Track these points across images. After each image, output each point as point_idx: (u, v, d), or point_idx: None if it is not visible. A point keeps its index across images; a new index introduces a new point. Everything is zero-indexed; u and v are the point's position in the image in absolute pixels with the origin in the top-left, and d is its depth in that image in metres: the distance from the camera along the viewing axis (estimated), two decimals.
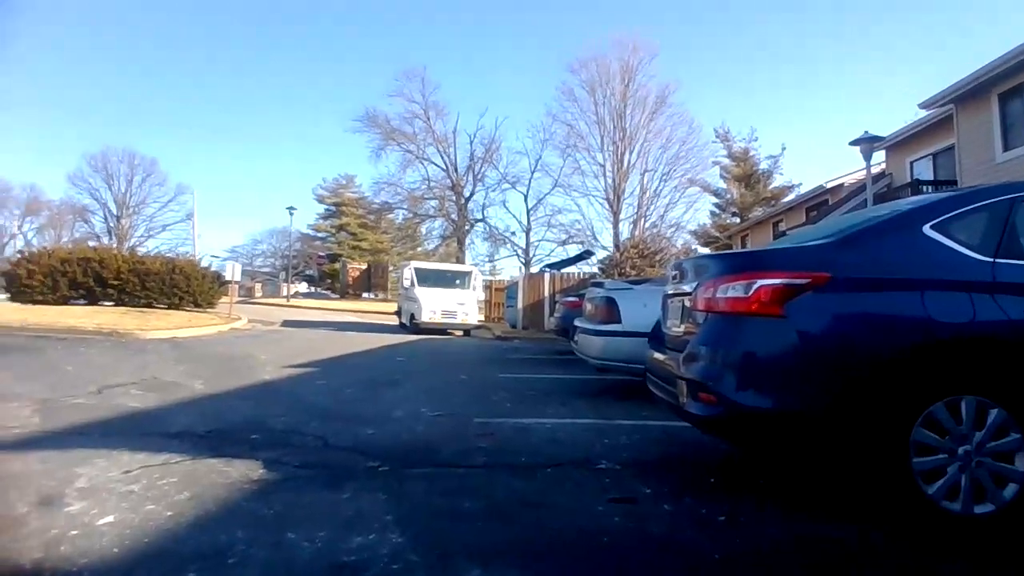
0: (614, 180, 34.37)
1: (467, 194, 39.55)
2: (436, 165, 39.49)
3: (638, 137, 34.36)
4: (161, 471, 2.81)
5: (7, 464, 2.91)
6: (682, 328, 3.18)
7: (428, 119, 38.43)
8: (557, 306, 12.82)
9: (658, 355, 3.48)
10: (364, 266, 46.64)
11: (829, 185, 21.38)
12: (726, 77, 60.53)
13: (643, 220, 34.50)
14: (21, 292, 17.09)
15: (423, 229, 41.96)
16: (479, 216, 39.48)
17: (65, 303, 17.33)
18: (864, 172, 13.06)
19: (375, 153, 38.44)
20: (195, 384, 5.90)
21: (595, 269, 24.23)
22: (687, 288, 3.18)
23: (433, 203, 39.95)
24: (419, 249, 41.32)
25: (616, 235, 33.78)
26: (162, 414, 4.30)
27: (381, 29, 69.71)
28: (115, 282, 18.11)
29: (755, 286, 2.47)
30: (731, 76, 61.02)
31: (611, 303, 5.76)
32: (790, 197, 31.13)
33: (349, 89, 75.34)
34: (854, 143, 12.61)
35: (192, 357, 8.70)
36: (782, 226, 24.06)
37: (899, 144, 17.24)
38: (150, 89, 74.60)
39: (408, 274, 17.82)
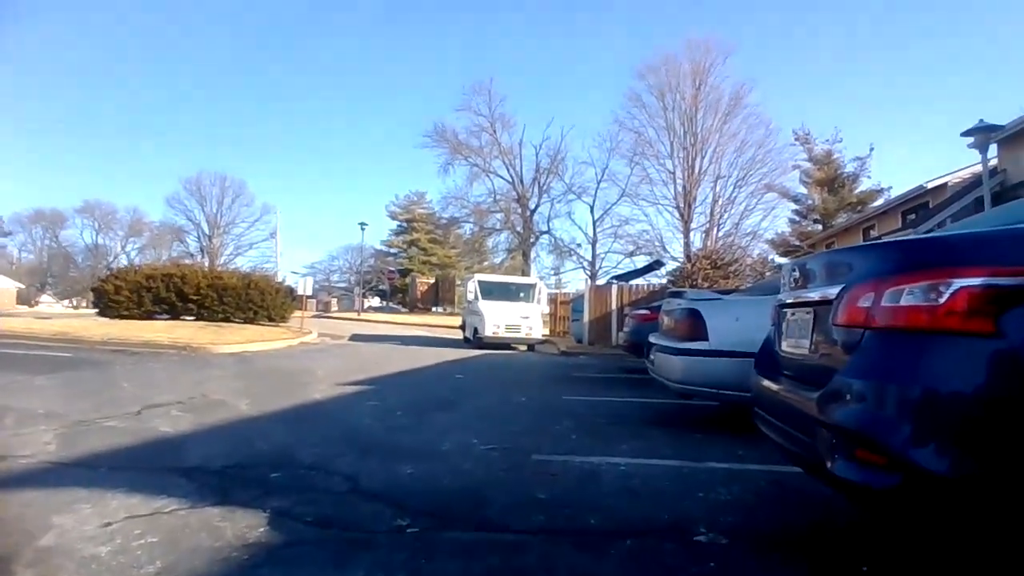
0: (684, 187, 32.84)
1: (532, 206, 39.19)
2: (502, 178, 39.48)
3: (710, 142, 32.75)
4: (146, 525, 2.29)
5: None
6: (809, 350, 2.33)
7: (494, 131, 38.53)
8: (627, 320, 11.88)
9: (771, 384, 2.64)
10: (432, 280, 47.31)
11: (930, 185, 19.08)
12: (807, 75, 57.08)
13: (716, 229, 32.67)
14: (109, 307, 18.09)
15: (489, 243, 41.93)
16: (544, 228, 38.95)
17: (150, 318, 18.17)
18: (970, 170, 11.31)
19: (443, 168, 38.96)
20: (241, 404, 5.56)
21: (664, 281, 22.92)
22: (815, 295, 2.34)
23: (499, 216, 39.86)
24: (485, 263, 41.24)
25: (687, 245, 32.15)
26: (188, 442, 3.89)
27: (452, 42, 71.55)
28: (195, 297, 18.84)
29: (951, 289, 1.62)
30: (812, 73, 57.45)
31: (695, 317, 4.88)
32: (879, 202, 28.40)
33: (422, 106, 77.88)
34: (967, 133, 11.05)
35: (251, 373, 8.54)
36: (873, 233, 21.78)
37: (1015, 137, 14.94)
38: (238, 113, 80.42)
39: (472, 287, 17.42)
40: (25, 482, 2.84)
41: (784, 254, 34.23)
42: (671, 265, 28.37)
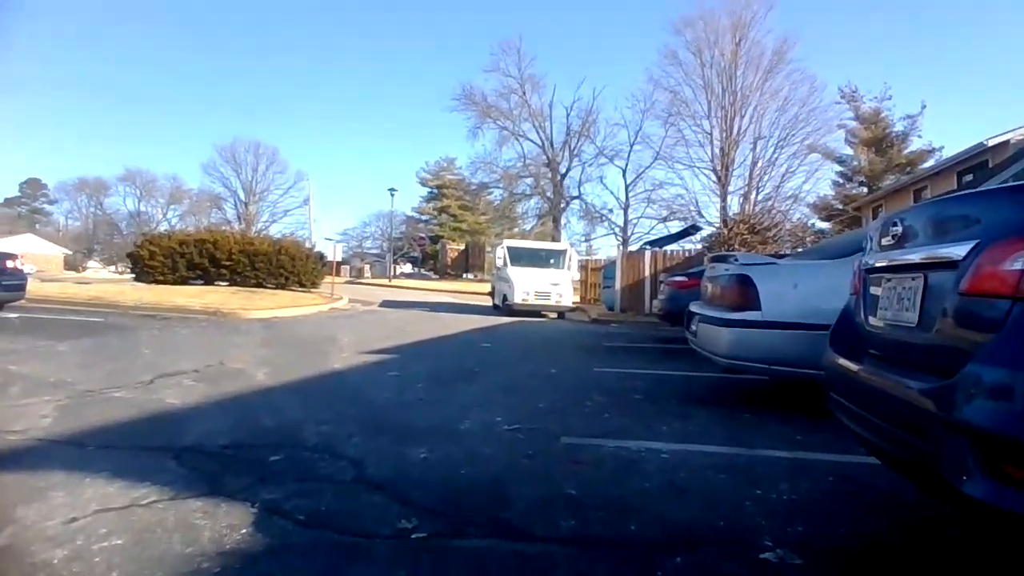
0: (722, 149, 31.31)
1: (563, 170, 38.18)
2: (531, 141, 38.48)
3: (750, 100, 30.98)
4: (116, 522, 1.99)
5: None
6: (916, 325, 1.83)
7: (524, 93, 37.42)
8: (662, 287, 11.33)
9: (853, 366, 2.16)
10: (462, 247, 47.12)
11: (991, 143, 17.44)
12: (854, 27, 53.24)
13: (755, 192, 31.15)
14: (144, 272, 18.37)
15: (519, 208, 41.24)
16: (575, 193, 37.96)
17: (184, 283, 18.38)
18: None
19: (472, 132, 38.16)
20: (258, 373, 5.33)
21: (699, 246, 22.03)
22: (925, 255, 1.83)
23: (528, 181, 39.06)
24: (515, 229, 40.64)
25: (723, 209, 30.82)
26: (191, 416, 3.63)
27: (481, 2, 69.39)
28: (227, 263, 18.95)
29: None
30: (859, 25, 53.57)
31: (745, 283, 4.35)
32: (929, 163, 26.45)
33: (453, 69, 76.54)
34: None
35: (276, 339, 8.38)
36: (926, 195, 20.29)
37: None
38: (269, 80, 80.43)
39: (501, 253, 16.98)
40: (4, 463, 2.59)
41: (827, 218, 32.63)
42: (707, 230, 27.27)
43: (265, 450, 2.92)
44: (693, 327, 5.09)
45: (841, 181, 34.26)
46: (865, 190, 31.14)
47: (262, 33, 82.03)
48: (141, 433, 3.18)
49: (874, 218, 24.34)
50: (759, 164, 31.15)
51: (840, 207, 31.64)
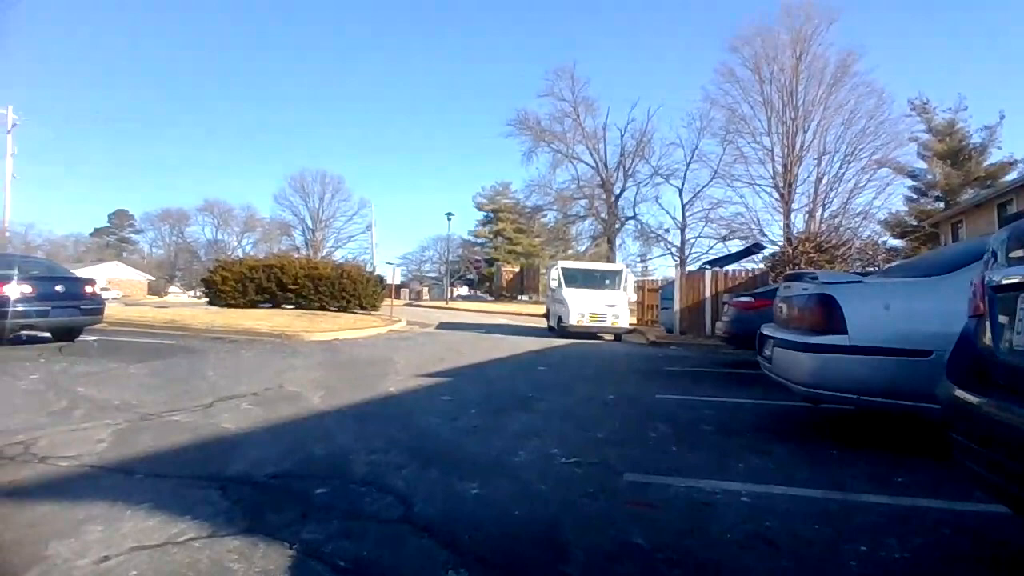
0: (785, 165, 30.02)
1: (617, 191, 37.65)
2: (585, 163, 38.29)
3: (814, 115, 29.65)
4: (148, 562, 1.89)
5: None
6: None
7: (577, 116, 37.37)
8: (725, 308, 10.73)
9: (977, 399, 1.81)
10: (517, 269, 47.32)
11: None
12: (922, 37, 50.30)
13: (820, 209, 29.57)
14: (217, 296, 19.33)
15: (573, 230, 40.95)
16: (630, 214, 37.29)
17: (254, 306, 19.18)
18: None
19: (526, 156, 38.43)
20: (314, 397, 5.31)
21: (761, 266, 21.03)
22: None
23: (583, 203, 38.76)
24: (569, 251, 40.37)
25: (787, 227, 29.38)
26: (243, 442, 3.58)
27: (533, 28, 70.82)
28: (293, 287, 19.67)
29: None
30: (929, 35, 50.56)
31: (828, 304, 3.92)
32: (1012, 175, 24.30)
33: (507, 96, 78.31)
34: None
35: (335, 362, 8.46)
36: (1011, 208, 18.54)
37: None
38: (334, 112, 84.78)
39: (555, 275, 16.74)
40: (49, 492, 2.57)
41: (900, 236, 30.58)
42: (769, 249, 26.03)
43: (312, 481, 2.79)
44: (767, 351, 4.66)
45: (915, 196, 32.13)
46: (942, 205, 29.08)
47: (328, 68, 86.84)
48: (191, 460, 3.14)
49: (953, 235, 22.55)
50: (824, 180, 29.63)
51: (915, 223, 29.59)
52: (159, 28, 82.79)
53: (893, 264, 11.22)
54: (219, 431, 3.84)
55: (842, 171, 29.27)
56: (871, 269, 15.39)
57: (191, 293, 60.47)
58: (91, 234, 71.10)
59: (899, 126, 29.35)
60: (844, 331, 3.81)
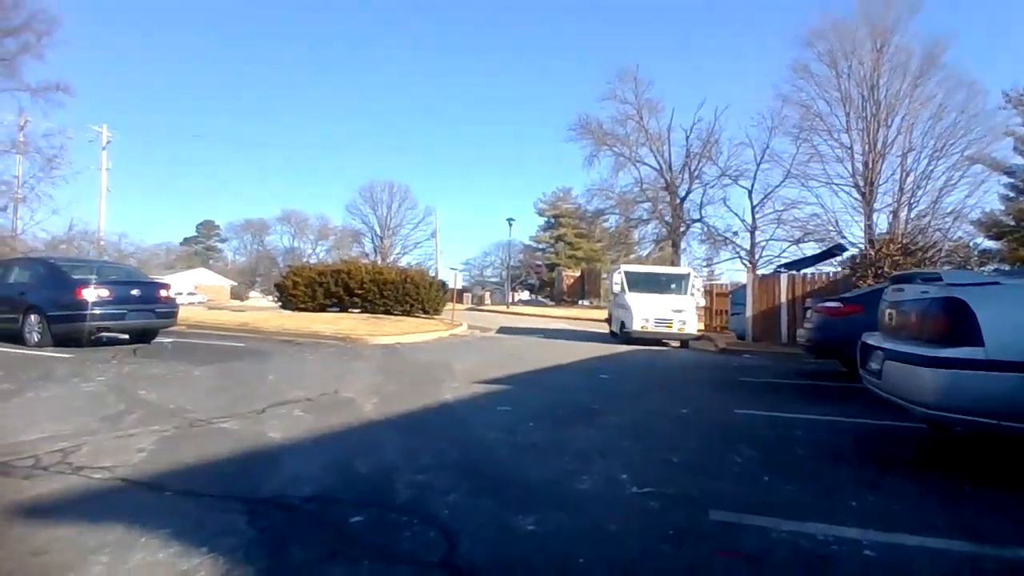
0: (865, 163, 27.87)
1: (682, 194, 36.26)
2: (649, 166, 37.17)
3: (898, 109, 27.44)
4: None
5: None
6: None
7: (641, 118, 36.33)
8: (808, 314, 9.78)
9: None
10: (578, 273, 46.68)
11: None
12: (1019, 23, 45.27)
13: (906, 209, 27.18)
14: (289, 301, 19.97)
15: (635, 234, 39.79)
16: (695, 216, 35.77)
17: (323, 310, 19.65)
18: None
19: (587, 160, 37.74)
20: (367, 405, 5.10)
21: (838, 269, 19.51)
22: None
23: (646, 206, 37.61)
24: (631, 256, 39.22)
25: (868, 228, 27.24)
26: (285, 455, 3.35)
27: (595, 30, 70.23)
28: (359, 291, 20.00)
29: None
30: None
31: (958, 310, 3.25)
32: None
33: (569, 102, 78.26)
34: None
35: (393, 367, 8.33)
36: None
37: None
38: (401, 123, 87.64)
39: (618, 278, 16.07)
40: (70, 511, 2.39)
41: (996, 236, 27.59)
42: (849, 252, 24.12)
43: (348, 508, 2.49)
44: (874, 365, 3.99)
45: (1012, 195, 28.83)
46: None
47: (388, 83, 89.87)
48: (227, 476, 2.93)
49: None
50: (911, 178, 27.26)
51: (1012, 223, 26.58)
52: (238, 51, 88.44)
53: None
54: (264, 441, 3.65)
55: (930, 168, 26.94)
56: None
57: (269, 298, 63.64)
58: (181, 243, 76.49)
59: (994, 119, 26.64)
60: (979, 343, 3.13)
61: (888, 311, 4.27)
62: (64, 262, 10.27)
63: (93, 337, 8.98)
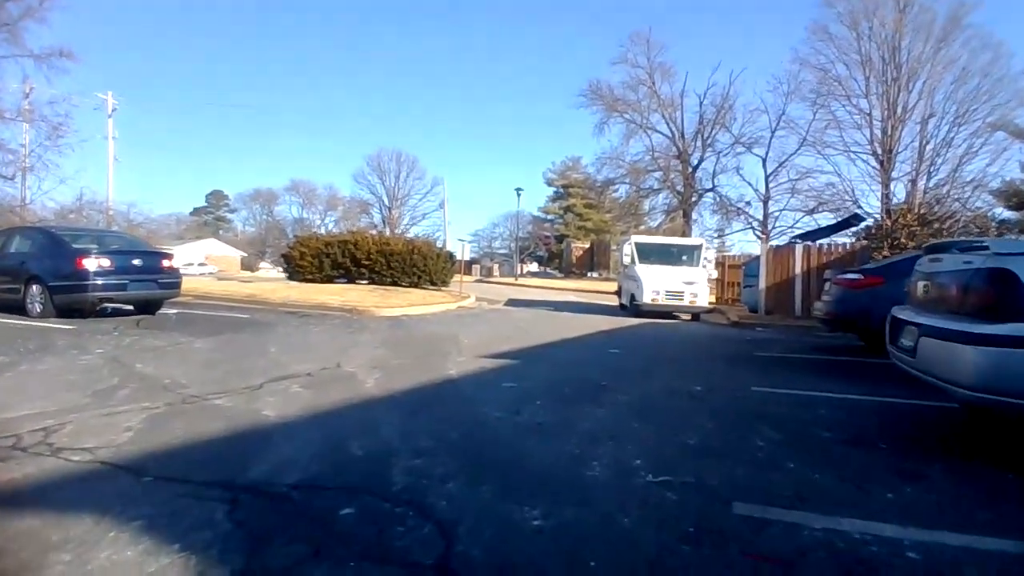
0: (884, 130, 26.92)
1: (694, 162, 35.44)
2: (660, 133, 36.21)
3: (919, 73, 26.39)
4: None
5: None
6: None
7: (652, 83, 35.26)
8: (827, 286, 9.44)
9: None
10: (587, 245, 46.21)
11: None
12: None
13: (925, 178, 26.38)
14: (296, 271, 19.84)
15: (646, 205, 39.10)
16: (708, 186, 35.00)
17: (330, 281, 19.52)
18: None
19: (598, 127, 36.80)
20: (368, 380, 4.92)
21: (853, 240, 19.05)
22: None
23: (657, 175, 36.83)
24: (642, 227, 38.64)
25: (885, 197, 26.52)
26: (277, 435, 3.17)
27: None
28: (366, 262, 19.81)
29: None
30: None
31: (1007, 282, 2.96)
32: None
33: (581, 68, 76.55)
34: None
35: (399, 339, 8.16)
36: None
37: None
38: (409, 92, 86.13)
39: (628, 250, 15.71)
40: (41, 499, 2.22)
41: (1017, 206, 26.72)
42: (865, 222, 23.48)
43: (339, 496, 2.30)
44: (907, 342, 3.71)
45: None
46: None
47: (396, 49, 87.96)
48: (213, 458, 2.75)
49: None
50: (931, 145, 26.33)
51: None
52: (247, 20, 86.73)
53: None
54: (257, 420, 3.47)
55: (951, 135, 26.04)
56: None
57: (279, 269, 63.47)
58: (190, 213, 76.50)
59: (1019, 83, 25.53)
60: None
61: (922, 283, 3.97)
62: (65, 231, 10.09)
63: (97, 308, 8.87)
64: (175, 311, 10.08)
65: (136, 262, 8.96)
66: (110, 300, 8.92)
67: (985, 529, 2.19)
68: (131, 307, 9.61)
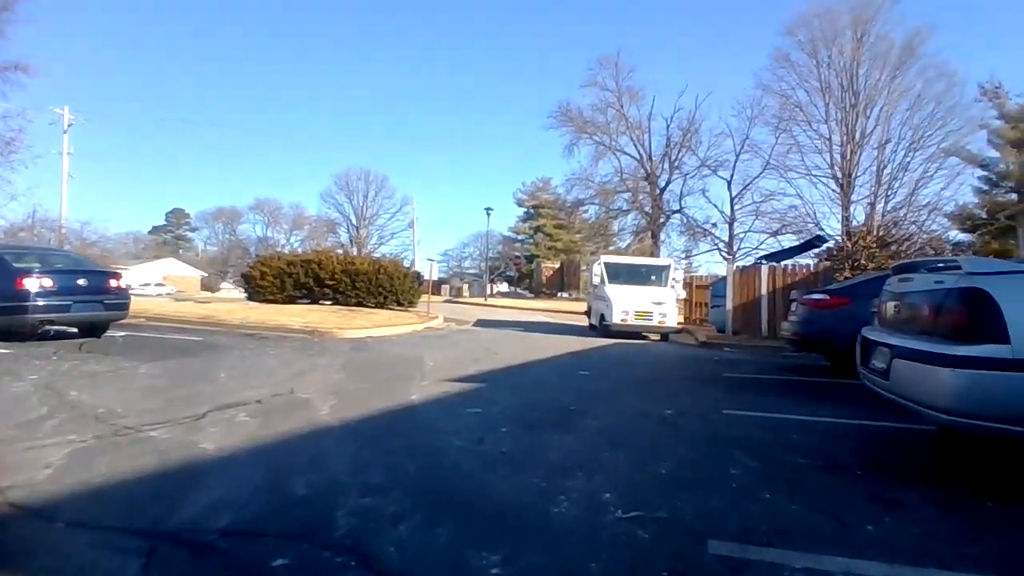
0: (843, 154, 27.97)
1: (662, 184, 36.13)
2: (629, 155, 36.87)
3: (876, 100, 27.53)
4: None
5: None
6: None
7: (621, 106, 35.96)
8: (794, 306, 9.53)
9: None
10: (557, 265, 46.43)
11: None
12: (999, 13, 45.85)
13: (883, 201, 27.42)
14: (256, 291, 19.19)
15: (615, 225, 39.59)
16: (675, 207, 35.67)
17: (293, 301, 18.91)
18: None
19: (567, 149, 37.29)
20: (324, 407, 4.63)
21: (815, 261, 19.57)
22: None
23: (626, 196, 37.39)
24: (611, 247, 39.02)
25: (846, 220, 27.40)
26: (212, 472, 2.87)
27: (578, 16, 69.74)
28: (331, 282, 19.33)
29: None
30: (1006, 10, 46.07)
31: (981, 302, 2.90)
32: None
33: (551, 90, 77.76)
34: None
35: (360, 363, 7.84)
36: None
37: None
38: (378, 111, 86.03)
39: (597, 270, 15.70)
40: None
41: (970, 229, 28.01)
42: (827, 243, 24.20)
43: (273, 544, 2.03)
44: (879, 363, 3.64)
45: (986, 187, 29.23)
46: (1015, 196, 26.31)
47: (365, 69, 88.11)
48: (135, 501, 2.44)
49: None
50: (887, 169, 27.44)
51: (984, 217, 26.97)
52: (212, 35, 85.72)
53: None
54: (193, 454, 3.16)
55: (907, 159, 27.09)
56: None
57: (240, 289, 61.45)
58: (149, 232, 74.11)
59: (970, 111, 26.90)
60: (1005, 339, 2.79)
61: (892, 303, 3.93)
62: (6, 250, 9.46)
63: (39, 331, 8.29)
64: (123, 334, 9.52)
65: (81, 282, 8.44)
66: (52, 322, 8.34)
67: (972, 564, 2.06)
68: (75, 329, 9.02)
